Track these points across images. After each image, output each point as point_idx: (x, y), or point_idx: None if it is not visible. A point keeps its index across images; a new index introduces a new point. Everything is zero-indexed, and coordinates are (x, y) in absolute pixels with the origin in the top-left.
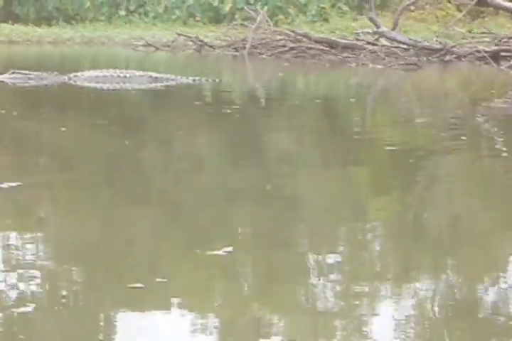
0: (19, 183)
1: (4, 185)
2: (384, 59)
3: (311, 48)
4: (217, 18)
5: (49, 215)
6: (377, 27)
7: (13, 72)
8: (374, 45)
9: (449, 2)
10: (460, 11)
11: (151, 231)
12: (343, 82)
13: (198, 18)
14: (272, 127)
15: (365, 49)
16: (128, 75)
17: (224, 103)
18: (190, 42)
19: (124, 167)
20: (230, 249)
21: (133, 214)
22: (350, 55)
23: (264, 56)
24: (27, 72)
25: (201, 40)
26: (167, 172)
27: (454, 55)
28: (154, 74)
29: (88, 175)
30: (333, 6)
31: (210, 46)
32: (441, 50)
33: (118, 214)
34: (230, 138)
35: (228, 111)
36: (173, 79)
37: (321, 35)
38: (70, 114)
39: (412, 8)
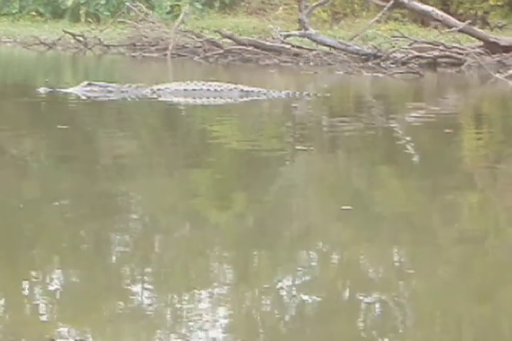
0: None
1: None
2: (331, 64)
3: (249, 52)
4: (56, 13)
5: None
6: (305, 29)
7: (89, 84)
8: (300, 48)
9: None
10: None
11: None
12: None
13: (33, 13)
14: None
15: (298, 54)
16: (218, 89)
17: None
18: (73, 41)
19: None
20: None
21: None
22: (289, 60)
23: (195, 59)
24: (105, 84)
25: (99, 39)
26: None
27: (391, 61)
28: (245, 88)
29: None
30: (185, 2)
31: (106, 46)
32: (374, 55)
33: None
34: None
35: None
36: (264, 93)
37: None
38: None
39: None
